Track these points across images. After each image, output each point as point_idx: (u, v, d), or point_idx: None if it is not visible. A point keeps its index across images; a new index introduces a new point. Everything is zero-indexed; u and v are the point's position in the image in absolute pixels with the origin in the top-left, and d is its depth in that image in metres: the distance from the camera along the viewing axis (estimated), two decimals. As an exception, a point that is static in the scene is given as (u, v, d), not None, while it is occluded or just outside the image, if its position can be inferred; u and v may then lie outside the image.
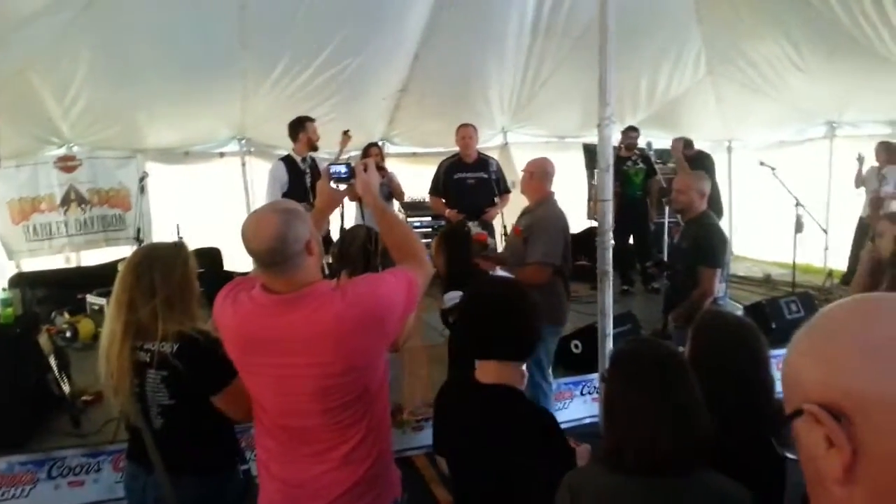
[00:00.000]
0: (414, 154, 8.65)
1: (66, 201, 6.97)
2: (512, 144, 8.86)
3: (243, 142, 7.83)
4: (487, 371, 1.96)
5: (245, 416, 2.16)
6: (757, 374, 1.98)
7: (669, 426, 1.54)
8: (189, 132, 7.49)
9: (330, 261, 3.90)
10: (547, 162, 4.30)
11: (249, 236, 1.84)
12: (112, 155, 7.19)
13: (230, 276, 6.87)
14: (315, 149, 6.08)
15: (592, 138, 8.57)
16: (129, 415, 2.25)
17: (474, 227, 3.84)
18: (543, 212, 4.10)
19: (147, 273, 2.15)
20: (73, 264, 7.25)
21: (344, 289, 1.88)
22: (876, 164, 7.14)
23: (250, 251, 1.86)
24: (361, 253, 3.15)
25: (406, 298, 1.92)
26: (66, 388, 4.05)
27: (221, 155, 7.86)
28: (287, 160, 5.97)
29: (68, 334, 5.47)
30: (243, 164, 7.85)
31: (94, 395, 4.28)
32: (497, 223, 6.35)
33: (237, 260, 7.51)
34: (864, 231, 7.11)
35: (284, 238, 1.81)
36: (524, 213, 4.28)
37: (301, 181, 5.86)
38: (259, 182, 7.88)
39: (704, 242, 3.98)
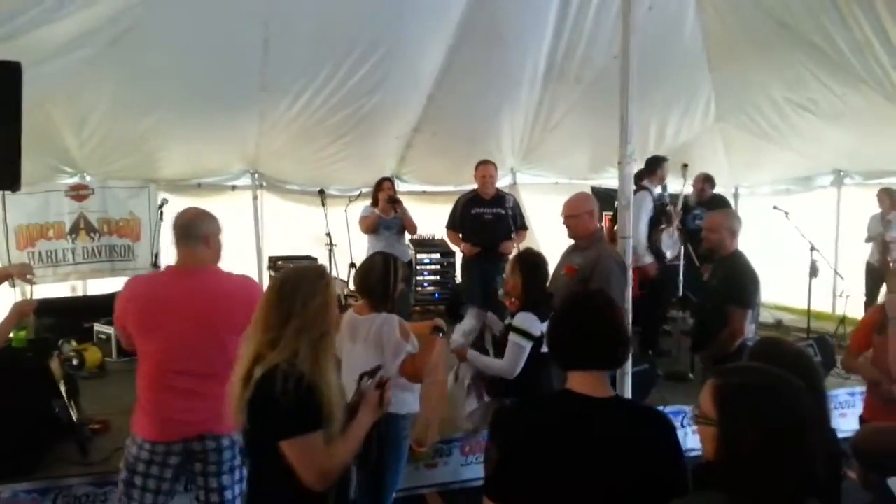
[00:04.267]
0: (423, 192, 8.72)
1: (75, 229, 6.96)
2: (521, 185, 8.93)
3: (256, 175, 7.89)
4: (597, 383, 1.87)
5: (317, 479, 1.97)
6: (825, 402, 1.92)
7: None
8: (202, 164, 7.55)
9: (352, 289, 3.88)
10: (589, 198, 4.12)
11: None
12: (124, 185, 7.22)
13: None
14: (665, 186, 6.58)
15: (600, 181, 8.76)
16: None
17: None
18: (600, 251, 3.81)
19: (289, 297, 2.06)
20: (79, 293, 7.22)
21: None
22: (879, 210, 7.26)
23: None
24: (381, 282, 3.13)
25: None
26: (74, 415, 3.98)
27: (233, 188, 7.92)
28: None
29: (75, 362, 5.41)
30: (255, 198, 7.89)
31: (102, 424, 4.23)
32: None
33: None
34: (874, 275, 7.15)
35: None
36: (574, 250, 3.99)
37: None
38: (270, 215, 7.91)
39: (735, 281, 3.90)
